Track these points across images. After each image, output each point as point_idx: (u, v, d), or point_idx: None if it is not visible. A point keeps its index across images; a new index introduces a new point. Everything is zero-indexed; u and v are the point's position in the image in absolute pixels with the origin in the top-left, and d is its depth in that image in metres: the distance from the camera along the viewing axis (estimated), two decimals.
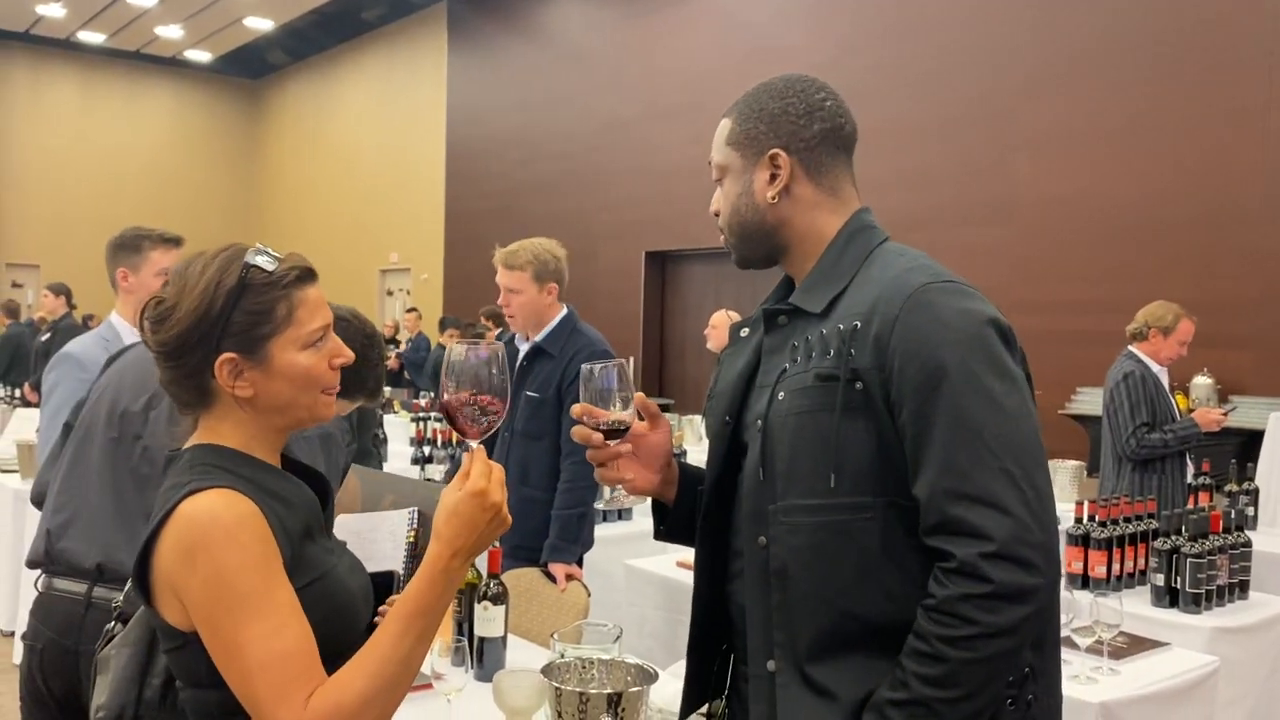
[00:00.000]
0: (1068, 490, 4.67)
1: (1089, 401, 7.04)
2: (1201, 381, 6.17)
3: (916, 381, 1.24)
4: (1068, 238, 7.32)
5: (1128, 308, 6.79)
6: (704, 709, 1.53)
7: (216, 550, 1.14)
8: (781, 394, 1.34)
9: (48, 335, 7.60)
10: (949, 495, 1.21)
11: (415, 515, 1.47)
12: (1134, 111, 6.95)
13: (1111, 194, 7.07)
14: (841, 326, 1.31)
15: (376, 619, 1.38)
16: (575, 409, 1.42)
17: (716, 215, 1.48)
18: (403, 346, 11.04)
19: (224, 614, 1.13)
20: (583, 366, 1.41)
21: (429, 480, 4.99)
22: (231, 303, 1.22)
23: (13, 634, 4.67)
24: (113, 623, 1.39)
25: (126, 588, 1.39)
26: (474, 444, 1.22)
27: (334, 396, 1.32)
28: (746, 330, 1.50)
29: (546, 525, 3.00)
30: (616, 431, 1.41)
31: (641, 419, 1.49)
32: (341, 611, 1.27)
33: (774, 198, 1.40)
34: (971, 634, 1.18)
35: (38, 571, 2.14)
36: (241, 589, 1.13)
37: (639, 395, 1.46)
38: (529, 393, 3.07)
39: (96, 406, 2.14)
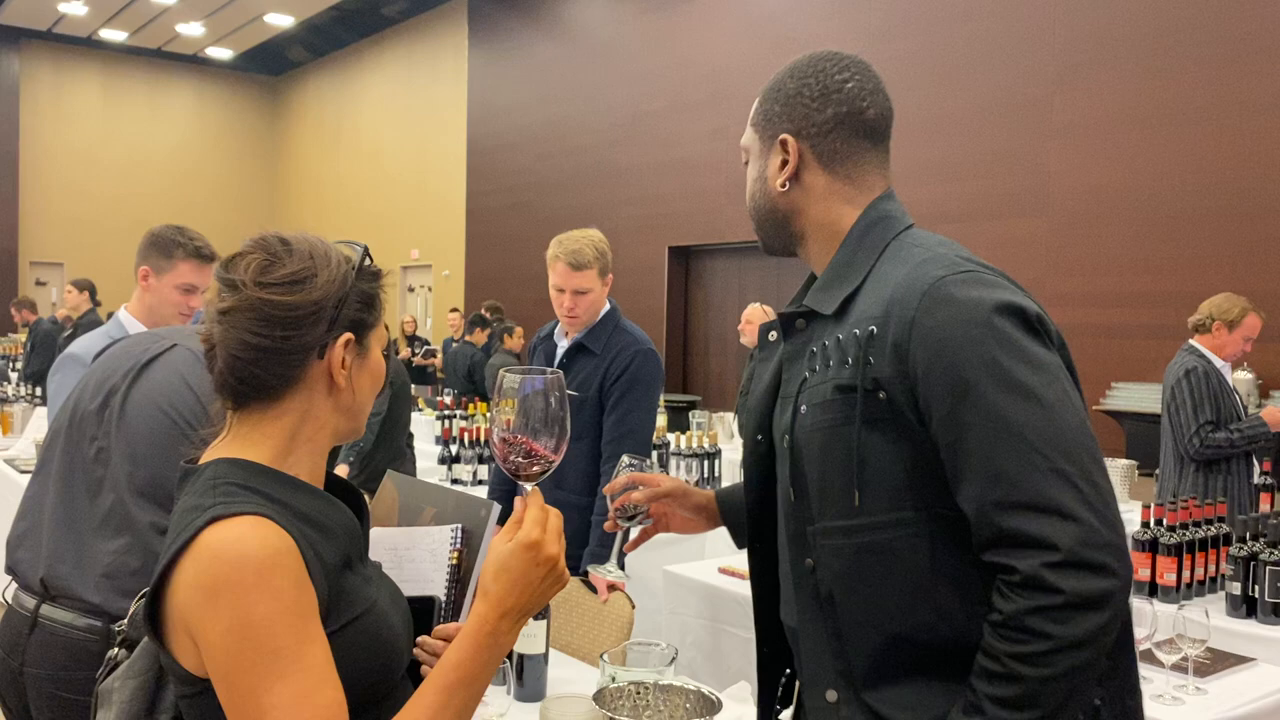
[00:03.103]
0: (1120, 491, 4.48)
1: (1125, 397, 6.81)
2: (1241, 376, 5.92)
3: (943, 386, 1.13)
4: (1102, 229, 7.11)
5: (1164, 301, 6.61)
6: None
7: (245, 594, 0.98)
8: (804, 407, 1.25)
9: (70, 332, 7.53)
10: (1000, 507, 1.09)
11: (459, 534, 1.33)
12: (1170, 100, 6.74)
13: (1147, 184, 6.86)
14: (857, 332, 1.21)
15: (416, 650, 1.24)
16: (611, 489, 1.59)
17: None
18: (432, 345, 10.85)
19: (247, 669, 0.98)
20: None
21: (455, 481, 4.86)
22: (352, 282, 1.14)
23: None
24: (115, 649, 1.23)
25: (132, 610, 1.24)
26: (528, 487, 1.10)
27: None
28: (774, 334, 1.39)
29: (584, 532, 2.84)
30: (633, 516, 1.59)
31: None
32: (384, 651, 1.12)
33: (784, 185, 1.32)
34: (1046, 649, 1.07)
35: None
36: (270, 644, 0.98)
37: (649, 486, 1.60)
38: (568, 391, 2.90)
39: (65, 407, 2.03)
